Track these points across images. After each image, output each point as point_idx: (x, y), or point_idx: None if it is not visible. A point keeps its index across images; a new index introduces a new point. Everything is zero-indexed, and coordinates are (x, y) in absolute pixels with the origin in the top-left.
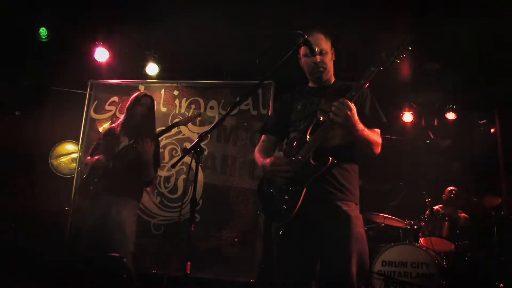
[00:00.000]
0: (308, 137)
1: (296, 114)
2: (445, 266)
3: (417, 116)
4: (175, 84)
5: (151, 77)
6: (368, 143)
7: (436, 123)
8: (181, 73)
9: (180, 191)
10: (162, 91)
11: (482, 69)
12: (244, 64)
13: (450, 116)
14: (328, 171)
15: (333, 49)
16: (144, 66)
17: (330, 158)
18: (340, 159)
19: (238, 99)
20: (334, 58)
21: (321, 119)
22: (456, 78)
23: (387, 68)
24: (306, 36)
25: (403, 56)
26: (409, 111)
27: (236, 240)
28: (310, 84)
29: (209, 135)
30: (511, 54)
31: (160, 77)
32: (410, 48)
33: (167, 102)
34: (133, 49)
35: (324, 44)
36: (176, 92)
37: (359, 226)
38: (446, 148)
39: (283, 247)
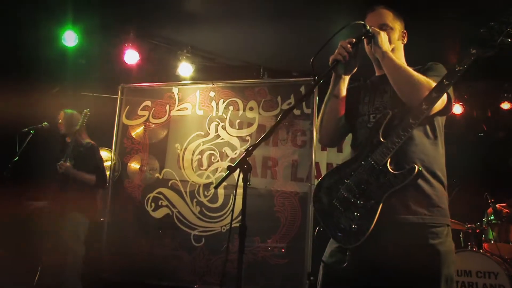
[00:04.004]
0: (381, 135)
1: (364, 107)
2: None
3: (468, 107)
4: (211, 85)
5: (184, 79)
6: (406, 78)
7: (489, 114)
8: (216, 73)
9: (221, 200)
10: (197, 93)
11: None
12: (280, 61)
13: (505, 106)
14: (413, 182)
15: (405, 31)
16: (176, 67)
17: (416, 166)
18: (425, 165)
19: (279, 98)
20: (405, 42)
21: (395, 112)
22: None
23: (493, 49)
24: (368, 27)
25: None
26: (458, 103)
27: (283, 250)
28: (377, 73)
29: (248, 139)
30: None
31: (195, 78)
32: None
33: (203, 104)
34: (165, 50)
35: (389, 19)
36: (212, 94)
37: (448, 265)
38: (501, 140)
39: (347, 275)
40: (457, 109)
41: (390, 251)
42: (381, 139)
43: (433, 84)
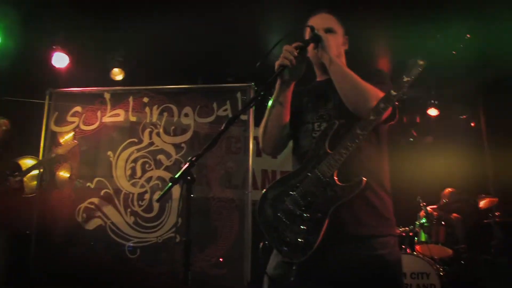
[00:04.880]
0: (327, 146)
1: (307, 114)
2: (445, 274)
3: (398, 113)
4: (144, 90)
5: (116, 84)
6: (353, 84)
7: (418, 120)
8: (150, 78)
9: (156, 210)
10: (130, 99)
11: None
12: (216, 66)
13: (432, 112)
14: (360, 194)
15: (346, 36)
16: (108, 71)
17: (364, 178)
18: (372, 177)
19: (214, 104)
20: (347, 47)
21: (342, 122)
22: (438, 72)
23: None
24: (316, 31)
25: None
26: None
27: (221, 260)
28: (319, 78)
29: (184, 146)
30: None
31: (127, 83)
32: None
33: (136, 110)
34: (96, 54)
35: (333, 23)
36: (146, 99)
37: (397, 275)
38: (429, 145)
39: None
40: None
41: (339, 264)
42: (328, 150)
43: (379, 92)
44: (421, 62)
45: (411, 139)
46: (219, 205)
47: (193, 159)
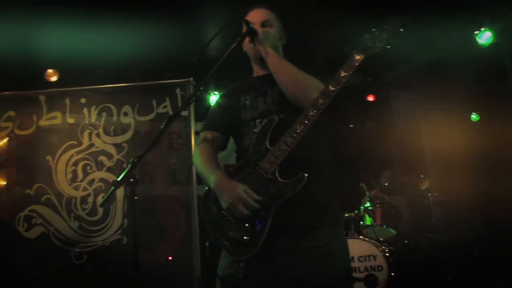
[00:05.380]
0: (268, 143)
1: (247, 112)
2: (391, 254)
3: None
4: (81, 91)
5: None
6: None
7: (358, 106)
8: (86, 78)
9: (101, 212)
10: (67, 100)
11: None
12: (154, 63)
13: (371, 98)
14: (303, 188)
15: (284, 31)
16: (42, 72)
17: (306, 174)
18: (315, 170)
19: (154, 101)
20: (285, 42)
21: (281, 117)
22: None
23: (375, 55)
24: (251, 24)
25: (395, 41)
26: None
27: (170, 258)
28: (256, 73)
29: (125, 145)
30: None
31: (63, 84)
32: (403, 30)
33: (74, 111)
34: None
35: (270, 17)
36: (83, 100)
37: (344, 262)
38: (369, 130)
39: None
40: None
41: (286, 258)
42: (268, 147)
43: (319, 83)
44: (358, 57)
45: (351, 126)
46: (165, 203)
47: (135, 160)
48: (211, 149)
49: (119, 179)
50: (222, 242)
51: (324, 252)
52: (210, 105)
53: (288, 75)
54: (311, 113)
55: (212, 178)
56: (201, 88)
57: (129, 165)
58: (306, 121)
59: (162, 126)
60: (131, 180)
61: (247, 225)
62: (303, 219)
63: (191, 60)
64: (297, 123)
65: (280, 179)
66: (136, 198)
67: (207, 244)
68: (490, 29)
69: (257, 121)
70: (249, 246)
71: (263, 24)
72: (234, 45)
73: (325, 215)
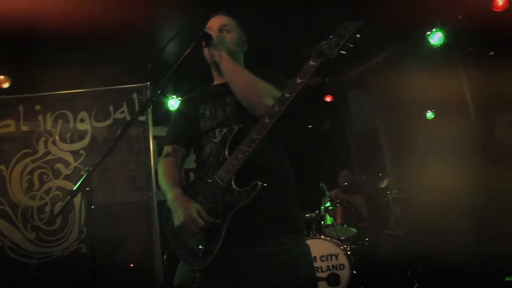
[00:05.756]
0: (227, 152)
1: (206, 122)
2: (352, 253)
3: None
4: (36, 97)
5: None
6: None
7: (315, 107)
8: (41, 83)
9: (59, 222)
10: (21, 107)
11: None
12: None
13: (328, 98)
14: (260, 197)
15: (244, 38)
16: None
17: (259, 182)
18: (273, 177)
19: (111, 107)
20: (245, 48)
21: (240, 126)
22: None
23: (330, 61)
24: (205, 29)
25: (351, 46)
26: None
27: (132, 265)
28: (216, 81)
29: (82, 152)
30: None
31: (15, 91)
32: (358, 35)
33: (28, 119)
34: None
35: (229, 22)
36: (38, 107)
37: (306, 266)
38: (327, 130)
39: None
40: None
41: (247, 265)
42: (227, 156)
43: (274, 89)
44: (312, 63)
45: (310, 126)
46: (125, 209)
47: (91, 168)
48: (172, 164)
49: (74, 188)
50: (180, 252)
51: (286, 256)
52: (168, 109)
53: (242, 81)
54: (266, 121)
55: (169, 195)
56: (158, 92)
57: (85, 174)
58: (262, 129)
59: (119, 132)
60: (87, 188)
61: (202, 235)
62: (263, 226)
63: (148, 65)
64: (253, 131)
65: (235, 188)
66: (92, 207)
67: (166, 253)
68: (441, 29)
69: (217, 131)
70: (204, 255)
71: (221, 29)
72: (188, 50)
73: (285, 222)
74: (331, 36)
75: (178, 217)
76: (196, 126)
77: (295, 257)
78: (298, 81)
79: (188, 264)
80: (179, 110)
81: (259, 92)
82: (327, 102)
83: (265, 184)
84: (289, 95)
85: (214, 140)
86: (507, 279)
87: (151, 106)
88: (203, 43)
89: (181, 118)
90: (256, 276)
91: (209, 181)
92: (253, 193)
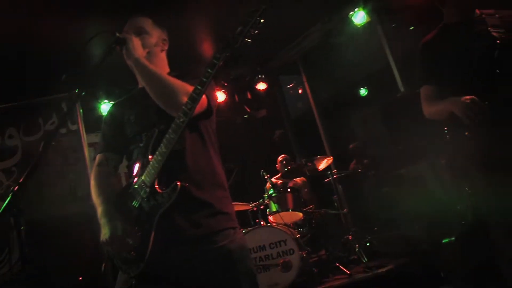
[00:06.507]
0: (149, 155)
1: (131, 127)
2: (300, 236)
3: (229, 93)
4: None
5: None
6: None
7: (249, 96)
8: None
9: None
10: None
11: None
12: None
13: (261, 86)
14: (184, 197)
15: (164, 38)
16: None
17: (179, 183)
18: (201, 177)
19: (40, 119)
20: (165, 48)
21: (161, 128)
22: (261, 48)
23: (237, 50)
24: (117, 34)
25: (255, 33)
26: (220, 90)
27: (80, 279)
28: (140, 85)
29: (14, 169)
30: None
31: None
32: (262, 20)
33: None
34: None
35: (146, 24)
36: None
37: (243, 260)
38: (263, 118)
39: None
40: (221, 96)
41: (183, 268)
42: (150, 159)
43: (189, 87)
44: (218, 55)
45: (246, 116)
46: (68, 221)
47: (15, 189)
48: (103, 175)
49: (0, 210)
50: (115, 260)
51: (220, 252)
52: (101, 115)
53: (156, 82)
54: (181, 119)
55: (98, 211)
56: (74, 103)
57: (10, 195)
58: (177, 129)
59: (53, 143)
60: (15, 209)
61: (132, 241)
62: (195, 226)
63: (78, 72)
64: (170, 131)
65: (158, 190)
66: (22, 228)
67: (103, 265)
68: (364, 9)
69: (143, 135)
70: (136, 261)
71: (137, 32)
72: (103, 56)
73: (218, 220)
74: (238, 26)
75: (103, 235)
76: (123, 132)
77: (232, 252)
78: (208, 71)
79: (124, 271)
80: (107, 117)
81: (174, 93)
82: (260, 90)
83: (186, 184)
84: (199, 90)
85: (141, 145)
86: (444, 241)
87: (82, 113)
88: (117, 47)
89: (110, 124)
90: (194, 276)
91: (136, 186)
92: (173, 194)
